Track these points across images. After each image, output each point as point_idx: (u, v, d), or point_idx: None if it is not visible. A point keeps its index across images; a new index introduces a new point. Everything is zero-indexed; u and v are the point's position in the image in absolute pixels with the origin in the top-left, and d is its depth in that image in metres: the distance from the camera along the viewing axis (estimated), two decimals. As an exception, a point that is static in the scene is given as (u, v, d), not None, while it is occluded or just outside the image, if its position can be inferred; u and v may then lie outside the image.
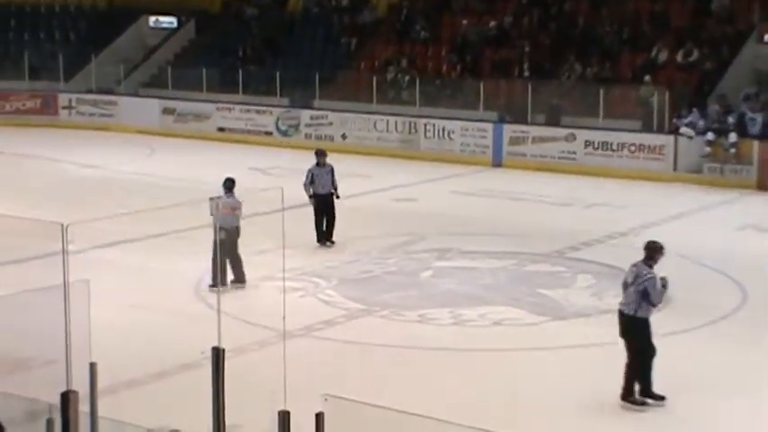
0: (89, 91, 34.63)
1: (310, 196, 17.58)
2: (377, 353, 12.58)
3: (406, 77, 30.27)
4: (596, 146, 25.82)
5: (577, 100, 27.90)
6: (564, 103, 27.72)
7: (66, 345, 7.49)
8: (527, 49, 29.39)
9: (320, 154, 18.09)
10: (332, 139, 29.53)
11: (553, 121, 27.15)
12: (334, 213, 17.70)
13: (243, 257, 15.15)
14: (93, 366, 7.87)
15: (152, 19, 37.50)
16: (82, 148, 29.12)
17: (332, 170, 17.89)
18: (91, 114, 34.01)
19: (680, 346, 12.83)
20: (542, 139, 26.62)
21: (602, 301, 14.63)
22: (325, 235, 17.58)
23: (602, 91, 26.64)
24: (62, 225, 7.36)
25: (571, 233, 18.78)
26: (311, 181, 17.66)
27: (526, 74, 28.88)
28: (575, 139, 26.15)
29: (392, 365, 12.07)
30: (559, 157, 26.27)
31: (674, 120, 25.32)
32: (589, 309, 14.27)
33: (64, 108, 34.32)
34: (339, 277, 15.65)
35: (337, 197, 17.76)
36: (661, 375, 11.68)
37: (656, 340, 11.11)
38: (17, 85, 34.75)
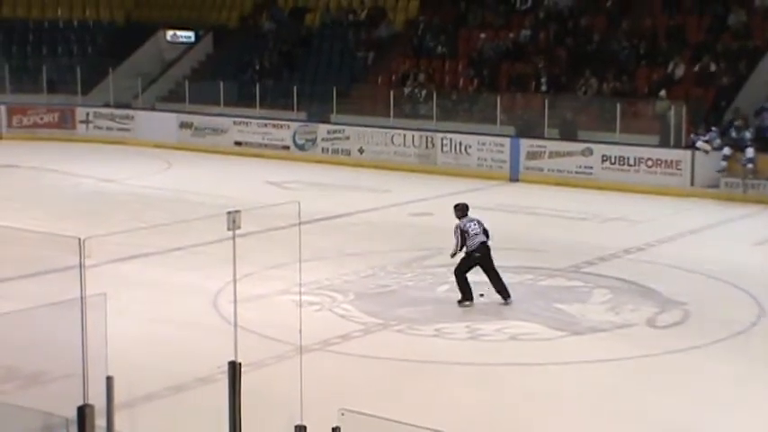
0: (106, 105, 34.80)
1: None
2: (393, 367, 12.56)
3: (423, 92, 30.31)
4: (613, 161, 25.77)
5: (594, 115, 27.88)
6: (580, 117, 27.71)
7: (83, 359, 7.51)
8: (543, 63, 29.41)
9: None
10: (349, 153, 29.59)
11: (567, 136, 27.13)
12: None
13: (259, 271, 15.10)
14: (109, 380, 7.88)
15: (170, 33, 37.71)
16: (99, 162, 29.23)
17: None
18: (108, 128, 34.15)
19: (696, 361, 12.78)
20: (559, 154, 26.58)
21: (618, 315, 14.58)
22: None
23: (618, 106, 26.60)
24: (79, 239, 7.37)
25: (588, 248, 18.74)
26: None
27: (543, 88, 28.89)
28: (591, 153, 26.10)
29: (409, 380, 12.04)
30: (576, 172, 26.23)
31: (692, 136, 25.27)
32: (606, 324, 14.20)
33: (81, 122, 34.47)
34: (356, 291, 15.63)
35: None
36: (677, 391, 11.64)
37: (673, 355, 11.04)
38: (35, 99, 34.95)
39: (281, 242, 16.76)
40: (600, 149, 26.02)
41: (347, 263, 17.42)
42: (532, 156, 26.92)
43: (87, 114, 34.47)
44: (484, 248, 14.89)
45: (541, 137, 27.28)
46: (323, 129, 30.37)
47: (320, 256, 17.11)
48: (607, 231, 20.83)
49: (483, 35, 31.33)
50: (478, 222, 15.04)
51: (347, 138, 29.74)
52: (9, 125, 34.23)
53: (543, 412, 11.06)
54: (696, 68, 27.34)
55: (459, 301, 14.84)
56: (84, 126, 34.43)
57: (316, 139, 30.36)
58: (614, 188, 25.15)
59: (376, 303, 15.06)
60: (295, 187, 25.51)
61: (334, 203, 22.78)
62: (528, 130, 27.88)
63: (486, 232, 15.03)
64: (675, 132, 25.84)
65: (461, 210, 15.20)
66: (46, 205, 22.40)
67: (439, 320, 14.26)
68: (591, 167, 26.05)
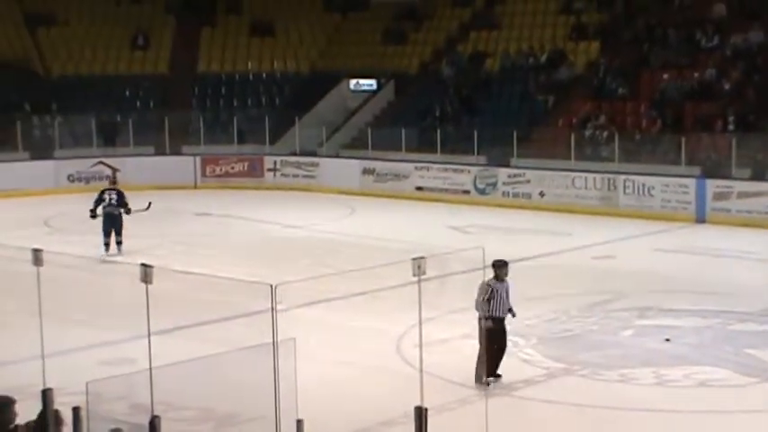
0: (293, 153, 35.85)
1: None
2: (577, 413, 12.44)
3: (605, 134, 30.00)
4: (807, 200, 24.83)
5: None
6: (770, 156, 26.87)
7: (276, 402, 7.77)
8: (730, 102, 28.64)
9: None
10: (529, 196, 29.52)
11: (759, 176, 26.30)
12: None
13: (441, 315, 15.20)
14: (300, 423, 8.11)
15: (353, 82, 38.57)
16: (285, 209, 30.10)
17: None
18: (294, 176, 35.16)
19: None
20: (748, 194, 25.79)
21: (815, 362, 14.01)
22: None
23: (811, 143, 25.69)
24: (271, 286, 7.66)
25: (781, 291, 18.09)
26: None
27: (730, 127, 28.13)
28: (783, 193, 25.24)
29: (593, 426, 11.90)
30: (766, 213, 25.37)
31: None
32: (801, 371, 13.67)
33: (269, 170, 35.61)
34: (538, 336, 15.56)
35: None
36: None
37: None
38: (226, 149, 36.37)
39: (462, 286, 16.84)
40: (792, 189, 25.14)
41: (529, 307, 17.33)
42: (719, 196, 26.20)
43: (275, 163, 35.59)
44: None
45: (729, 177, 26.54)
46: (503, 173, 30.41)
47: (502, 300, 17.08)
48: (801, 274, 20.05)
49: (666, 75, 30.81)
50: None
51: (528, 181, 29.68)
52: (203, 174, 35.70)
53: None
54: None
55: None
56: (271, 174, 35.56)
57: (496, 182, 30.43)
58: (808, 229, 24.22)
59: (559, 348, 14.95)
60: (476, 231, 25.60)
61: (515, 247, 22.70)
62: (714, 170, 27.18)
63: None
64: None
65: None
66: (237, 251, 23.22)
67: (624, 365, 14.04)
68: (783, 207, 25.17)
